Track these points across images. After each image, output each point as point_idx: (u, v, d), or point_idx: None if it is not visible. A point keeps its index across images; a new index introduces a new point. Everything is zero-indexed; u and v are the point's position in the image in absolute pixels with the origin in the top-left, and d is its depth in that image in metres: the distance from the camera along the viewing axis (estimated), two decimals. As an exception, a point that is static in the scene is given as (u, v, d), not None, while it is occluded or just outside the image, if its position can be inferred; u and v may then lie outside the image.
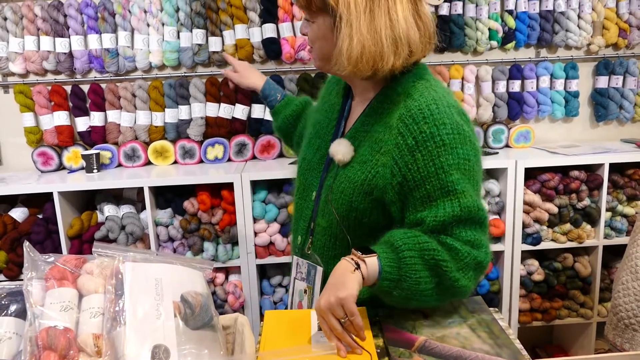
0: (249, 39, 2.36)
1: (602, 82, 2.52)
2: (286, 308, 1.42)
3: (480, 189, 1.05)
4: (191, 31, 2.34)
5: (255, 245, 2.20)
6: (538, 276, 2.33)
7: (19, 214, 2.22)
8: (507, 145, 2.50)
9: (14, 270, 2.15)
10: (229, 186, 2.15)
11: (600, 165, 2.24)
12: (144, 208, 2.21)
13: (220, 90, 2.39)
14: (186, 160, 2.41)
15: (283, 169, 2.22)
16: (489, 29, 2.42)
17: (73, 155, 2.39)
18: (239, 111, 2.39)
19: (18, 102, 2.36)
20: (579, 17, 2.45)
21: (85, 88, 2.39)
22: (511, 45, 2.45)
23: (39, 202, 2.24)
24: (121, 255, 0.84)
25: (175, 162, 2.43)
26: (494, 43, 2.43)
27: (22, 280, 0.80)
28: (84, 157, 2.30)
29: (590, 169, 2.28)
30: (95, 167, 2.29)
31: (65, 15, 2.32)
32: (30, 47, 2.32)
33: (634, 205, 2.33)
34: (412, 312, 1.07)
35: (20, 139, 2.42)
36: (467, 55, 2.49)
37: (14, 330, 0.77)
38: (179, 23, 2.34)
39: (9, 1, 2.31)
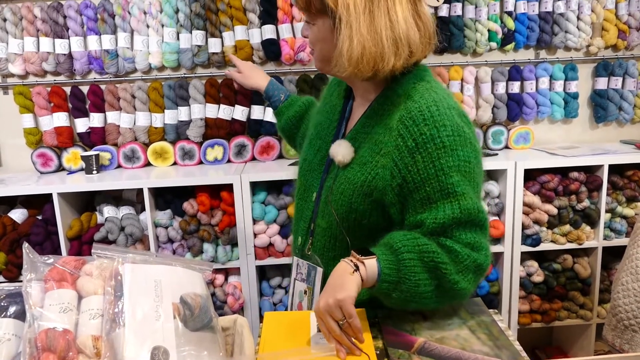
0: (248, 40, 2.36)
1: (602, 83, 2.52)
2: (286, 309, 1.42)
3: (480, 191, 1.05)
4: (191, 32, 2.35)
5: (254, 246, 2.20)
6: (537, 277, 2.33)
7: (18, 215, 2.22)
8: (506, 147, 2.50)
9: (13, 272, 2.15)
10: (229, 187, 2.15)
11: (600, 167, 2.24)
12: (143, 209, 2.21)
13: (219, 92, 2.39)
14: (186, 161, 2.41)
15: (282, 170, 2.22)
16: (489, 31, 2.43)
17: (72, 156, 2.39)
18: (239, 112, 2.39)
19: (17, 103, 2.36)
20: (578, 18, 2.46)
21: (85, 89, 2.39)
22: (510, 46, 2.46)
23: (39, 203, 2.24)
24: (120, 257, 0.84)
25: (175, 163, 2.43)
26: (494, 44, 2.44)
27: (21, 281, 0.80)
28: (83, 158, 2.30)
29: (590, 170, 2.29)
30: (94, 169, 2.29)
31: (64, 17, 2.32)
32: (30, 48, 2.32)
33: (634, 207, 2.33)
34: (412, 314, 1.07)
35: (20, 140, 2.42)
36: (466, 57, 2.49)
37: (13, 332, 0.77)
38: (178, 24, 2.34)
39: (8, 2, 2.31)
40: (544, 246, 2.29)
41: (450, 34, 2.40)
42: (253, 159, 2.45)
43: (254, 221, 2.19)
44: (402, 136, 1.01)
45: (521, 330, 2.40)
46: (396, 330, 1.02)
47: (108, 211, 2.22)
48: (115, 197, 2.34)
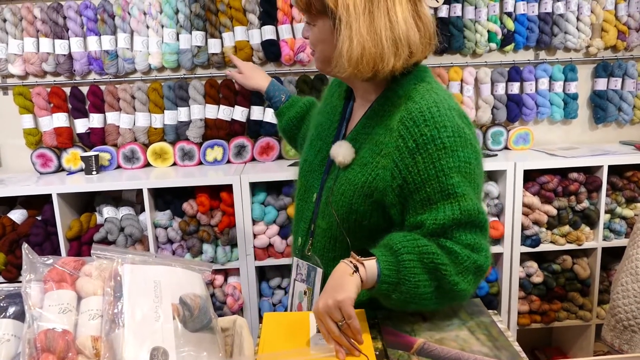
0: (248, 41, 2.36)
1: (601, 84, 2.52)
2: (285, 310, 1.42)
3: (481, 192, 1.05)
4: (190, 33, 2.35)
5: (254, 247, 2.20)
6: (537, 278, 2.33)
7: (17, 215, 2.22)
8: (506, 147, 2.50)
9: (13, 272, 2.15)
10: (228, 188, 2.15)
11: (599, 167, 2.24)
12: (143, 210, 2.21)
13: (219, 92, 2.39)
14: (185, 162, 2.41)
15: (282, 171, 2.22)
16: (488, 31, 2.43)
17: (72, 157, 2.39)
18: (238, 113, 2.39)
19: (17, 103, 2.36)
20: (577, 19, 2.46)
21: (85, 90, 2.39)
22: (510, 47, 2.46)
23: (38, 203, 2.24)
24: (120, 257, 0.84)
25: (175, 163, 2.43)
26: (493, 45, 2.44)
27: (20, 282, 0.80)
28: (83, 158, 2.30)
29: (589, 171, 2.29)
30: (94, 169, 2.29)
31: (64, 17, 2.32)
32: (30, 49, 2.32)
33: (633, 207, 2.33)
34: (411, 315, 1.07)
35: (20, 141, 2.42)
36: (466, 58, 2.50)
37: (12, 333, 0.77)
38: (178, 25, 2.34)
39: (8, 3, 2.31)
40: (543, 247, 2.29)
41: (449, 35, 2.41)
42: (253, 159, 2.45)
43: (254, 222, 2.19)
44: (402, 137, 1.01)
45: (520, 330, 2.40)
46: (396, 331, 1.02)
47: (108, 212, 2.22)
48: (115, 198, 2.34)
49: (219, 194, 2.19)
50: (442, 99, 1.04)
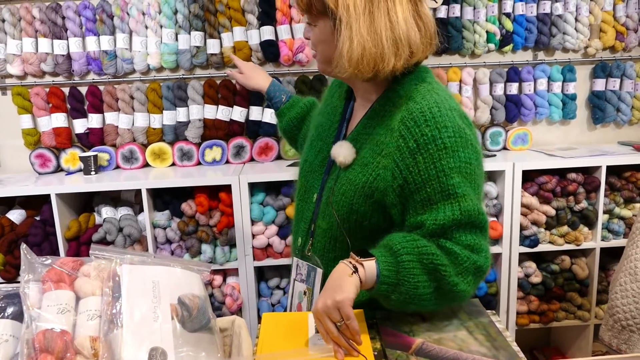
0: (247, 42, 2.36)
1: (600, 84, 2.53)
2: (285, 310, 1.42)
3: (481, 192, 1.05)
4: (189, 33, 2.35)
5: (253, 247, 2.20)
6: (535, 278, 2.33)
7: (16, 215, 2.21)
8: (504, 148, 2.51)
9: (11, 273, 2.15)
10: (227, 188, 2.15)
11: (598, 168, 2.24)
12: (141, 210, 2.21)
13: (218, 93, 2.39)
14: (184, 162, 2.41)
15: (281, 171, 2.22)
16: (487, 32, 2.43)
17: (71, 157, 2.39)
18: (237, 113, 2.39)
19: (16, 104, 2.36)
20: (576, 20, 2.46)
21: (83, 90, 2.39)
22: (509, 48, 2.46)
23: (37, 204, 2.24)
24: (118, 258, 0.84)
25: (173, 164, 2.43)
26: (492, 46, 2.44)
27: (19, 282, 0.80)
28: (81, 159, 2.30)
29: (588, 172, 2.29)
30: (93, 169, 2.29)
31: (63, 17, 2.32)
32: (28, 49, 2.31)
33: (631, 208, 2.33)
34: (410, 315, 1.07)
35: (18, 141, 2.42)
36: (464, 58, 2.50)
37: (10, 333, 0.77)
38: (177, 25, 2.34)
39: (6, 3, 2.31)
40: (542, 247, 2.29)
41: (448, 36, 2.41)
42: (251, 159, 2.45)
43: (253, 222, 2.19)
44: (403, 137, 1.01)
45: (519, 331, 2.40)
46: (394, 331, 1.02)
47: (106, 212, 2.22)
48: (114, 198, 2.34)
49: (218, 194, 2.19)
50: (443, 99, 1.04)
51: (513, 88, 2.48)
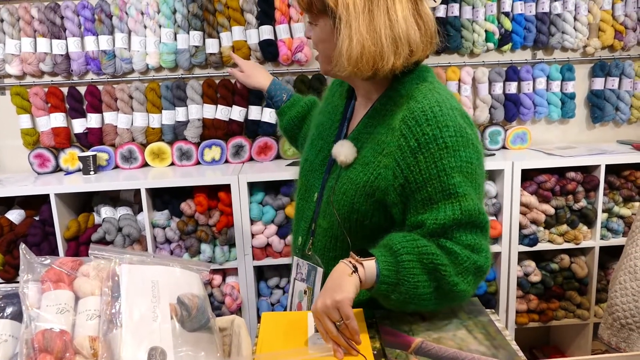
0: (246, 41, 2.36)
1: (598, 83, 2.53)
2: (284, 310, 1.42)
3: (482, 192, 1.05)
4: (188, 33, 2.34)
5: (252, 247, 2.20)
6: (535, 277, 2.34)
7: (15, 216, 2.21)
8: (503, 147, 2.51)
9: (10, 273, 2.14)
10: (226, 188, 2.15)
11: (597, 167, 2.24)
12: (140, 210, 2.21)
13: (217, 92, 2.39)
14: (183, 162, 2.41)
15: (280, 171, 2.22)
16: (486, 31, 2.43)
17: (70, 157, 2.39)
18: (236, 113, 2.39)
19: (15, 104, 2.36)
20: (575, 19, 2.46)
21: (82, 90, 2.39)
22: (508, 47, 2.46)
23: (36, 204, 2.23)
24: (118, 258, 0.84)
25: (172, 163, 2.42)
26: (491, 45, 2.44)
27: (18, 282, 0.80)
28: (80, 159, 2.30)
29: (587, 171, 2.29)
30: (92, 169, 2.29)
31: (62, 17, 2.31)
32: (27, 49, 2.31)
33: (630, 207, 2.33)
34: (410, 314, 1.07)
35: (17, 141, 2.42)
36: (463, 57, 2.50)
37: (9, 333, 0.77)
38: (176, 25, 2.34)
39: (5, 3, 2.31)
40: (541, 246, 2.30)
41: (447, 35, 2.41)
42: (250, 159, 2.45)
43: (252, 221, 2.19)
44: (404, 136, 1.01)
45: (518, 329, 2.40)
46: (394, 330, 1.02)
47: (105, 212, 2.22)
48: (113, 198, 2.34)
49: (217, 193, 2.19)
50: (444, 98, 1.04)
51: (512, 87, 2.48)
